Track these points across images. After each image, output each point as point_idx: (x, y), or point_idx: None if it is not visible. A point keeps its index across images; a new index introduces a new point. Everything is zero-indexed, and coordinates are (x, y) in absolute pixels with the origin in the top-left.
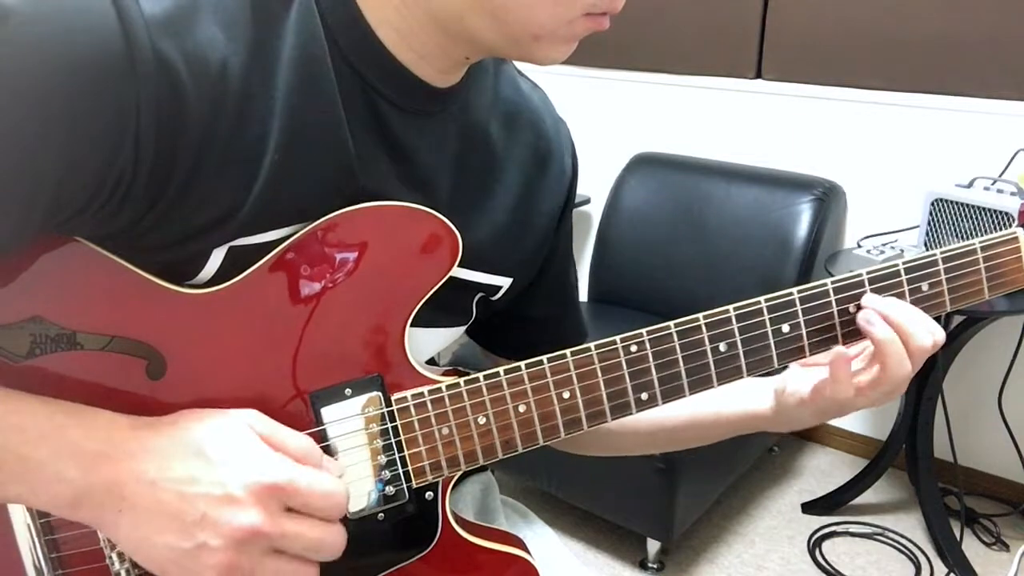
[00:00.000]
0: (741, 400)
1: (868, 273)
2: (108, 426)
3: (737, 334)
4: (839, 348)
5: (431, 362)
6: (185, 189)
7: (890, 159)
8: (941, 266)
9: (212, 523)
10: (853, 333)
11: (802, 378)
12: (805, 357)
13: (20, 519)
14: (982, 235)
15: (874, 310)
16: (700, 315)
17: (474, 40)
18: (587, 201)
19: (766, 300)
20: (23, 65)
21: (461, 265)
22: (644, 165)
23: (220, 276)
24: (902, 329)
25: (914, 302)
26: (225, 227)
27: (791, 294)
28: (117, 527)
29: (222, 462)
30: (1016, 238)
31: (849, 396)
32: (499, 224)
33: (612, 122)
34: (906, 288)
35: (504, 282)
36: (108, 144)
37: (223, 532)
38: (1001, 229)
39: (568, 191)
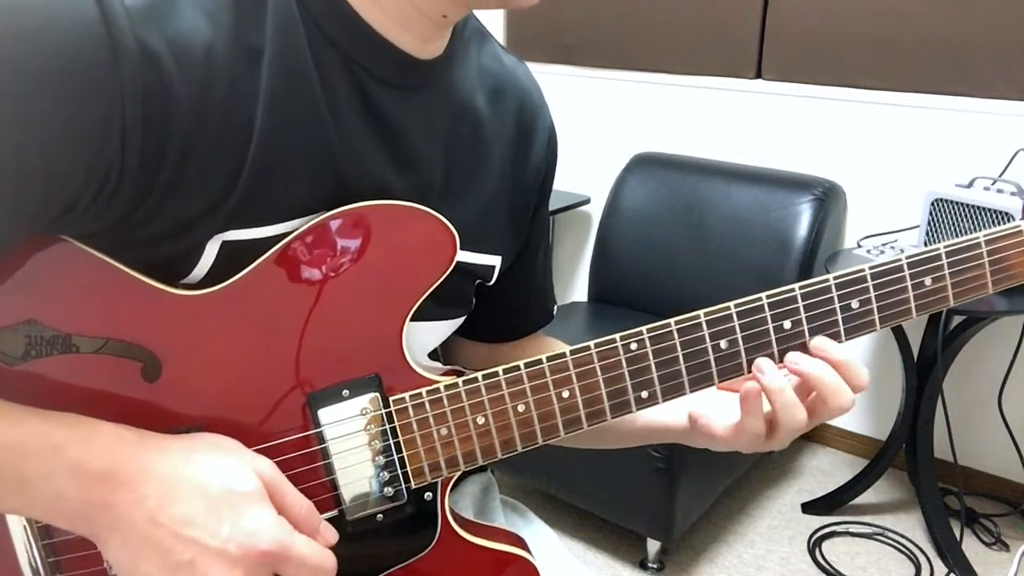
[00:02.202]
0: (658, 410)
1: (871, 268)
2: (113, 443)
3: (738, 331)
4: (749, 387)
5: (434, 356)
6: (175, 179)
7: (890, 159)
8: (944, 260)
9: (199, 571)
10: (855, 329)
11: (716, 413)
12: (807, 353)
13: (17, 523)
14: None
15: (798, 373)
16: (701, 312)
17: None
18: (587, 201)
19: (767, 296)
20: (3, 60)
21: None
22: (644, 165)
23: (214, 274)
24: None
25: (917, 297)
26: (215, 216)
27: (793, 290)
28: (107, 542)
29: (224, 511)
30: (1021, 231)
31: (760, 431)
32: (487, 201)
33: (612, 122)
34: (909, 283)
35: (495, 261)
36: (94, 138)
37: None
38: None
39: (548, 167)
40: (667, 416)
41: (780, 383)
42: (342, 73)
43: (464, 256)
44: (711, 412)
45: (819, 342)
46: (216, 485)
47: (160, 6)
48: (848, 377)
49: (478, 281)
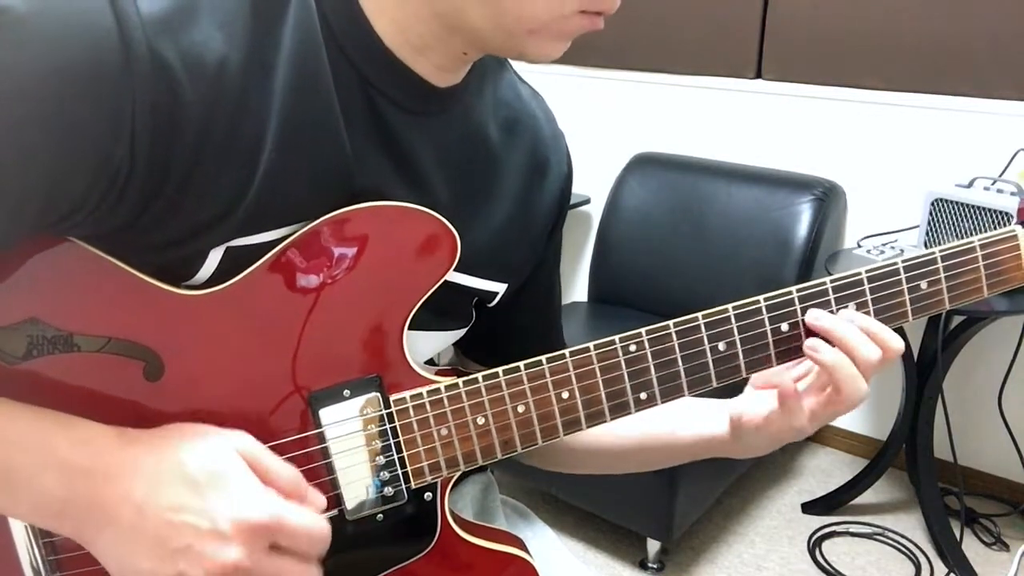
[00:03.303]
0: (697, 424)
1: (867, 272)
2: (95, 440)
3: (736, 333)
4: (785, 381)
5: (430, 362)
6: (182, 188)
7: (890, 159)
8: (940, 264)
9: (196, 555)
10: None
11: (757, 404)
12: (804, 356)
13: (19, 522)
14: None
15: (819, 329)
16: (699, 314)
17: (470, 32)
18: (587, 201)
19: (765, 299)
20: (17, 65)
21: (458, 270)
22: (644, 165)
23: (217, 277)
24: (847, 347)
25: (913, 300)
26: (222, 226)
27: (790, 293)
28: (97, 543)
29: (211, 492)
30: (1015, 236)
31: (803, 424)
32: (496, 230)
33: (612, 122)
34: (905, 286)
35: (499, 288)
36: (103, 145)
37: (205, 566)
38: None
39: (562, 200)
40: (710, 427)
41: (838, 357)
42: (358, 92)
43: (467, 280)
44: (753, 408)
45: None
46: (199, 469)
47: (176, 18)
48: (881, 342)
49: (477, 300)
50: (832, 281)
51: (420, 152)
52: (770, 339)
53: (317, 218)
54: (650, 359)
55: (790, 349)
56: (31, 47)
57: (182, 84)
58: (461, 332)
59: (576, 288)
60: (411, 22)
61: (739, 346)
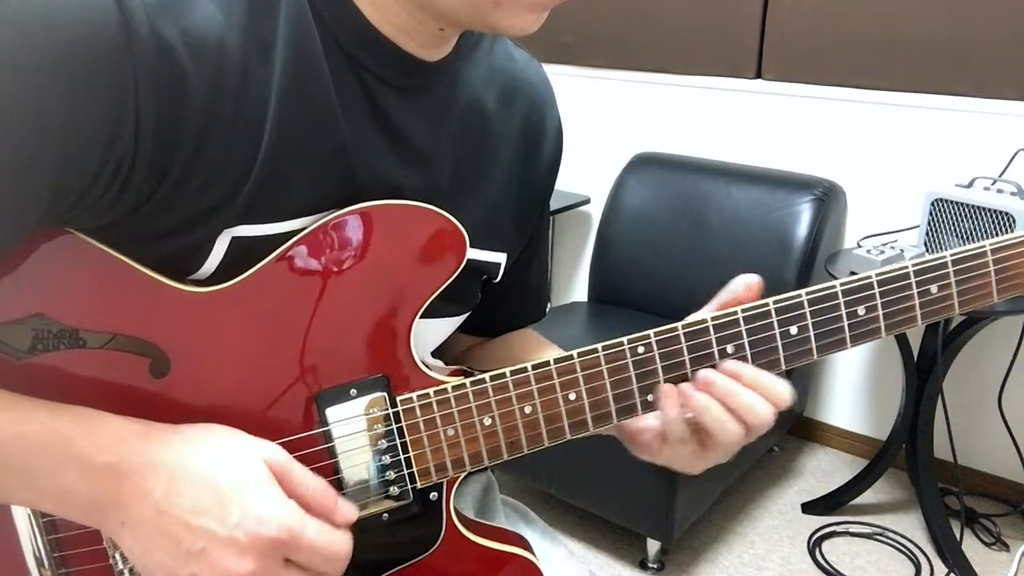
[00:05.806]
0: None
1: (877, 275)
2: (117, 436)
3: (745, 336)
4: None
5: (439, 355)
6: (188, 171)
7: (890, 159)
8: (951, 268)
9: (210, 560)
10: (861, 336)
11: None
12: (813, 359)
13: (23, 518)
14: (982, 235)
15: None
16: (708, 316)
17: (436, 7)
18: (587, 201)
19: (775, 302)
20: (18, 50)
21: None
22: (644, 165)
23: (224, 270)
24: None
25: (922, 304)
26: (227, 211)
27: (800, 296)
28: (119, 535)
29: (232, 499)
30: None
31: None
32: (495, 198)
33: (612, 122)
34: (915, 291)
35: (501, 258)
36: (107, 128)
37: (217, 572)
38: (1001, 229)
39: (554, 162)
40: None
41: (705, 401)
42: (349, 74)
43: (471, 253)
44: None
45: (730, 366)
46: (222, 473)
47: None
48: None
49: (484, 278)
50: (842, 284)
51: (414, 128)
52: (779, 343)
53: (322, 205)
54: (658, 361)
55: (799, 352)
56: (31, 34)
57: (185, 64)
58: (465, 316)
59: (576, 288)
60: (388, 3)
61: (748, 349)
